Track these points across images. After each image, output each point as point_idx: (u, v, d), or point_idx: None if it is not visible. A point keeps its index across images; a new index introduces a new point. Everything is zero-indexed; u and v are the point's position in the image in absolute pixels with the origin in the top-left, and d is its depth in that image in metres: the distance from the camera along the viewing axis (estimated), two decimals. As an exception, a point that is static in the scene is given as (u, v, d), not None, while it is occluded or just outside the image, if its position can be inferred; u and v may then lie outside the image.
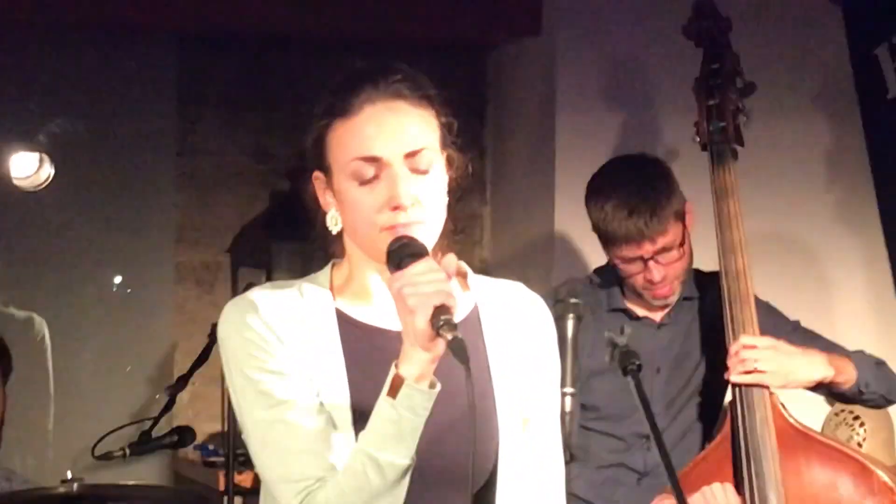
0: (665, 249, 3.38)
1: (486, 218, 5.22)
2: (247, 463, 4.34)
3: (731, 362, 3.31)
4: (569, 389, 2.84)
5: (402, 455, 2.02)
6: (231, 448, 4.20)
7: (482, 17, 4.89)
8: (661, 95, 4.56)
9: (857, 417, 4.46)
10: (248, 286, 3.97)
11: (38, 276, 4.92)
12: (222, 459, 4.50)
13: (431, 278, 2.00)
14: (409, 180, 2.11)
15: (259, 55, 5.00)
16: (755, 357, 3.29)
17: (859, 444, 4.40)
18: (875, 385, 3.42)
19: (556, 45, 4.68)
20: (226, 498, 4.26)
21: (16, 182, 4.72)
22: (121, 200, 4.98)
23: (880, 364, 3.48)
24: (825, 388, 3.43)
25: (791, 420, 3.30)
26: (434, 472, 2.11)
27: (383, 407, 2.02)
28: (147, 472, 4.73)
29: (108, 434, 4.13)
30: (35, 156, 4.71)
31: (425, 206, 2.12)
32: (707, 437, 3.51)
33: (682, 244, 3.40)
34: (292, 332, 2.15)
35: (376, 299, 2.21)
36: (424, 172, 2.13)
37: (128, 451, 4.04)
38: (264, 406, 2.11)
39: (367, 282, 2.22)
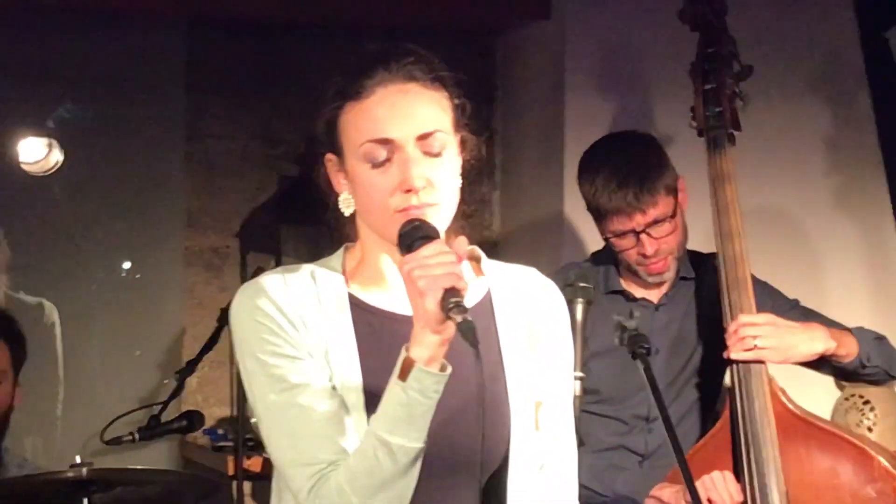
0: (656, 222, 3.37)
1: (495, 202, 5.21)
2: (256, 447, 4.35)
3: (730, 340, 3.30)
4: (577, 374, 2.84)
5: (413, 438, 2.02)
6: (240, 433, 4.21)
7: (491, 1, 4.89)
8: (670, 79, 4.53)
9: (867, 402, 4.44)
10: (258, 271, 4.01)
11: (47, 262, 4.92)
12: (231, 444, 4.50)
13: (442, 260, 2.00)
14: (421, 163, 2.11)
15: (268, 40, 4.98)
16: (754, 334, 3.28)
17: (869, 429, 4.39)
18: (877, 359, 3.41)
19: (565, 29, 4.67)
20: (235, 482, 4.26)
21: (25, 167, 4.72)
22: (130, 185, 4.97)
23: (881, 339, 3.48)
24: (827, 365, 3.42)
25: (791, 406, 3.29)
26: (444, 457, 2.10)
27: (394, 390, 2.02)
28: (156, 457, 4.73)
29: (117, 419, 4.15)
30: (44, 141, 4.71)
31: (438, 188, 2.12)
32: (706, 418, 3.51)
33: (673, 216, 3.39)
34: (305, 317, 2.14)
35: (389, 284, 2.20)
36: (437, 155, 2.13)
37: (137, 436, 4.05)
38: (277, 390, 2.11)
39: (379, 265, 2.21)
